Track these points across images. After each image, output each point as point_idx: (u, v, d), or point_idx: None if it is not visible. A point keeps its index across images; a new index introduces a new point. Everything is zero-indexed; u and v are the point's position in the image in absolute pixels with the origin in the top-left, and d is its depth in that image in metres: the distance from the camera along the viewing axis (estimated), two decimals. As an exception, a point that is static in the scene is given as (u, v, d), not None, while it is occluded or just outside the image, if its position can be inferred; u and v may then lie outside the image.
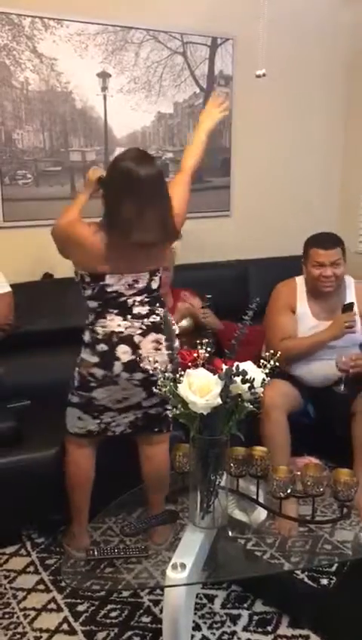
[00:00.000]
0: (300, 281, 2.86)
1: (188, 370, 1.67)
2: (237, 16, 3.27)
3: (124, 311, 2.18)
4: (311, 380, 2.75)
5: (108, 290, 2.16)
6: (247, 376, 1.61)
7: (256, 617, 2.08)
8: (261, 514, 2.01)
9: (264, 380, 1.68)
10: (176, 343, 2.13)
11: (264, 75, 1.99)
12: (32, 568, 2.32)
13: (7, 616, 2.07)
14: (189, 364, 1.73)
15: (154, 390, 1.99)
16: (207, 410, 1.63)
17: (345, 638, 2.03)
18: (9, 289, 2.72)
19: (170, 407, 2.20)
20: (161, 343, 2.17)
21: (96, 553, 1.81)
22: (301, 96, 3.69)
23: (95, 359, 2.17)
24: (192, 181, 2.33)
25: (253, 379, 1.62)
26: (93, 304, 2.19)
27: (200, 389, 1.62)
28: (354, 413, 2.63)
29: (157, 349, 2.16)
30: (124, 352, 2.15)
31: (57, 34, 2.92)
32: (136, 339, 2.16)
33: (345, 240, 2.79)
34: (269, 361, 1.71)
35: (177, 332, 2.10)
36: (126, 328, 2.16)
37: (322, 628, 2.04)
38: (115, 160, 2.14)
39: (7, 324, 2.65)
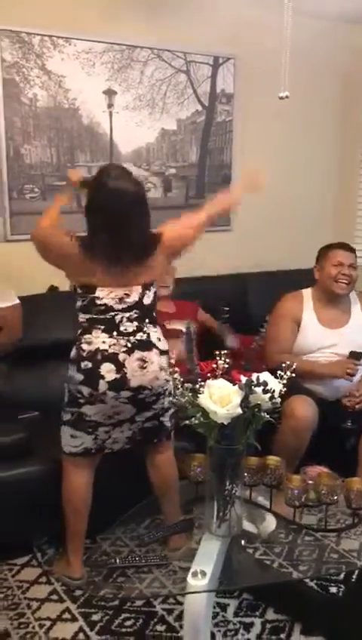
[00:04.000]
0: (307, 293, 2.94)
1: (208, 381, 1.72)
2: (238, 36, 3.35)
3: (111, 327, 2.12)
4: (324, 393, 2.79)
5: (98, 302, 2.12)
6: (268, 387, 1.66)
7: (268, 625, 2.11)
8: (270, 524, 2.04)
9: (281, 390, 1.73)
10: (164, 362, 2.14)
11: (287, 97, 2.05)
12: (43, 579, 2.33)
13: (22, 626, 2.08)
14: (208, 374, 1.78)
15: (170, 400, 1.99)
16: (227, 420, 1.67)
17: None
18: (18, 301, 2.75)
19: (165, 418, 2.25)
20: (146, 362, 2.12)
21: (118, 561, 1.84)
22: (300, 115, 3.76)
23: (80, 377, 2.12)
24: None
25: (273, 389, 1.67)
26: (82, 317, 2.16)
27: (221, 399, 1.67)
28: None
29: (142, 368, 2.11)
30: (108, 371, 2.09)
31: (65, 52, 2.98)
32: (121, 357, 2.10)
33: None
34: (286, 373, 1.77)
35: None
36: (110, 346, 2.10)
37: (335, 636, 2.06)
38: (96, 177, 2.13)
39: (19, 338, 2.68)
